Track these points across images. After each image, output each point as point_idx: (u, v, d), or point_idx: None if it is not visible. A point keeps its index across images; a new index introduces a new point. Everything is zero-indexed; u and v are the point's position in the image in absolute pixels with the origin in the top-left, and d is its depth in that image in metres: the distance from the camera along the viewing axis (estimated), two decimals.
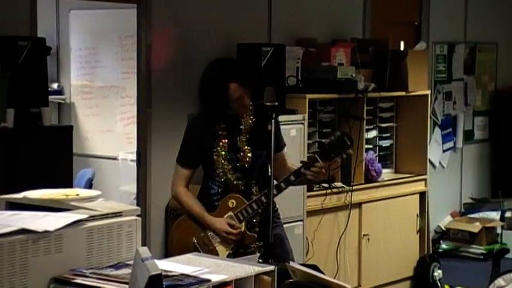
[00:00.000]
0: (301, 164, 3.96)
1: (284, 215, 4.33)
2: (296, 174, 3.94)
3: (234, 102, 4.00)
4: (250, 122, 4.06)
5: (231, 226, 4.00)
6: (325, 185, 5.87)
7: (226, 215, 4.03)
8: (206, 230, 4.06)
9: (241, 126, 4.05)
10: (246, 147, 4.04)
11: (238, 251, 3.97)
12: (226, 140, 4.05)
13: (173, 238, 4.26)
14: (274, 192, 3.90)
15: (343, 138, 3.91)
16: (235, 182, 4.04)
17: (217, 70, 4.07)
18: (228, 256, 3.94)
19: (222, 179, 4.05)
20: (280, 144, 4.16)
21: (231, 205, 4.03)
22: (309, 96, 5.84)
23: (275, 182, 3.92)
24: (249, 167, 4.03)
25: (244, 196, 4.03)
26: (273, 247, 3.81)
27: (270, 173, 3.98)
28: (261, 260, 3.59)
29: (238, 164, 4.04)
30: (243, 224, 4.01)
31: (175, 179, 4.15)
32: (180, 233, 4.16)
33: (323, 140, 4.03)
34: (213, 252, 3.98)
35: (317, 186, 5.77)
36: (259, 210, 4.00)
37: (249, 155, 4.03)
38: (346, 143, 3.91)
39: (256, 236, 4.03)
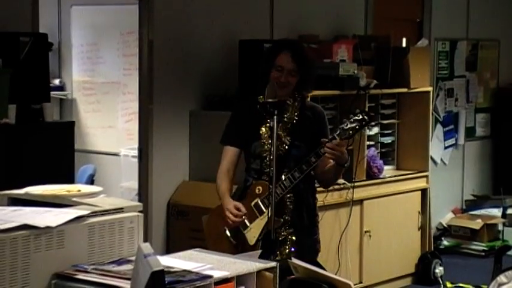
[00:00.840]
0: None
1: None
2: (316, 154, 3.92)
3: (276, 69, 3.98)
4: (295, 114, 4.06)
5: (237, 209, 4.00)
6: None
7: (253, 202, 4.05)
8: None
9: (285, 115, 4.03)
10: (285, 136, 4.03)
11: (266, 236, 3.94)
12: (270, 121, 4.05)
13: (206, 228, 4.28)
14: (297, 174, 3.93)
15: (362, 116, 3.89)
16: (270, 162, 4.00)
17: (280, 40, 4.12)
18: (257, 242, 4.00)
19: (261, 155, 4.05)
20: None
21: (257, 191, 4.06)
22: None
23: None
24: (284, 155, 4.01)
25: (272, 183, 4.02)
26: (275, 245, 3.83)
27: (286, 168, 4.02)
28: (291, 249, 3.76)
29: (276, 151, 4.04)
30: (269, 209, 3.99)
31: (221, 161, 4.17)
32: (214, 220, 4.19)
33: (344, 120, 4.00)
34: (243, 239, 4.03)
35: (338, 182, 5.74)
36: (285, 195, 3.99)
37: (287, 143, 4.02)
38: (364, 119, 3.88)
39: (282, 220, 4.01)
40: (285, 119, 4.03)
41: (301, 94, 4.09)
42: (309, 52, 4.47)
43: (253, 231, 4.05)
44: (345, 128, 3.88)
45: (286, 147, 4.03)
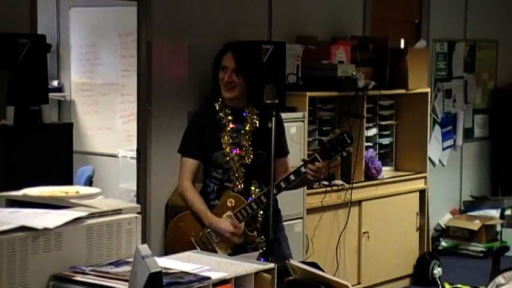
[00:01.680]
0: (301, 163, 3.95)
1: (284, 212, 4.31)
2: (296, 173, 3.91)
3: (221, 69, 3.98)
4: (255, 121, 4.04)
5: (234, 226, 3.96)
6: (325, 182, 5.87)
7: (225, 215, 3.99)
8: (205, 228, 4.03)
9: (245, 124, 4.03)
10: (249, 146, 4.01)
11: (238, 251, 3.91)
12: (235, 126, 4.01)
13: (171, 236, 4.23)
14: (274, 191, 3.88)
15: (343, 136, 3.90)
16: (236, 173, 3.99)
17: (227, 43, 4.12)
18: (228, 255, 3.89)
19: (225, 166, 4.00)
20: (283, 150, 4.14)
21: (229, 204, 3.98)
22: (309, 94, 5.84)
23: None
24: (251, 165, 4.00)
25: (243, 195, 4.00)
26: (272, 246, 3.80)
27: (268, 173, 3.96)
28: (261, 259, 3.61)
29: (241, 160, 4.01)
30: (243, 224, 3.99)
31: (180, 172, 4.08)
32: (178, 231, 4.12)
33: (323, 139, 4.00)
34: (212, 250, 3.95)
35: (317, 184, 5.76)
36: (259, 210, 3.98)
37: (252, 153, 4.00)
38: (346, 141, 3.90)
39: (256, 235, 4.01)
40: (247, 129, 4.02)
41: (257, 100, 3.98)
42: (255, 53, 4.41)
43: (224, 245, 3.99)
44: (327, 148, 3.90)
45: (252, 156, 4.00)
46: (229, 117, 4.03)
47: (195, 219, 4.05)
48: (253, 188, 4.01)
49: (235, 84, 3.99)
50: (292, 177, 3.92)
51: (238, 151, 4.00)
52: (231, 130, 4.02)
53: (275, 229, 4.04)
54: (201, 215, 4.01)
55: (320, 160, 3.88)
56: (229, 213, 3.99)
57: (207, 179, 4.08)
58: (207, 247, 3.98)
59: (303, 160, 3.97)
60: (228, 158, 3.99)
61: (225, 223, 3.95)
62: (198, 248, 3.95)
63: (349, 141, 3.91)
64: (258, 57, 4.32)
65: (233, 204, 3.99)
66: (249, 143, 4.00)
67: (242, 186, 4.01)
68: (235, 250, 3.94)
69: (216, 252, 3.93)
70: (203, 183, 4.11)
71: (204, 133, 4.04)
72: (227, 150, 4.00)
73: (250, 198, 3.98)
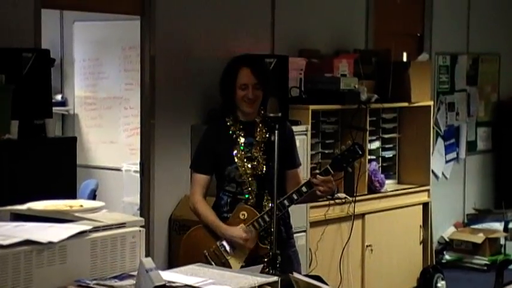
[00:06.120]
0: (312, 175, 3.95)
1: None
2: (307, 185, 3.93)
3: (240, 88, 3.98)
4: (264, 132, 4.05)
5: (246, 232, 3.95)
6: (329, 196, 5.87)
7: (238, 227, 3.99)
8: (218, 241, 4.03)
9: (256, 135, 4.04)
10: (260, 157, 4.02)
11: (251, 263, 3.87)
12: (246, 139, 4.02)
13: (182, 250, 4.23)
14: (286, 203, 3.90)
15: (354, 148, 3.90)
16: (250, 186, 4.00)
17: (236, 57, 4.11)
18: (241, 268, 3.87)
19: (239, 180, 4.00)
20: (295, 162, 4.14)
21: (242, 217, 3.99)
22: (311, 107, 5.86)
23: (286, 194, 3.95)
24: (263, 176, 4.01)
25: (256, 207, 4.00)
26: (275, 259, 3.79)
27: (280, 185, 3.96)
28: (267, 269, 3.61)
29: (254, 172, 4.02)
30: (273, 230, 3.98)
31: (192, 187, 4.12)
32: (190, 245, 4.13)
33: (336, 150, 4.00)
34: (226, 265, 3.93)
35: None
36: (271, 222, 3.97)
37: (263, 164, 4.01)
38: (357, 152, 3.89)
39: (269, 247, 4.00)
40: (257, 139, 4.03)
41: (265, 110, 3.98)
42: (265, 63, 4.38)
43: (237, 257, 3.99)
44: (338, 159, 3.90)
45: (264, 167, 4.01)
46: (241, 132, 4.05)
47: (207, 233, 4.06)
48: (265, 200, 4.01)
49: (256, 98, 4.01)
50: (304, 188, 3.92)
51: (251, 164, 4.02)
52: (243, 144, 4.03)
53: (287, 245, 4.08)
54: (214, 227, 4.02)
55: (332, 172, 3.88)
56: (241, 225, 3.99)
57: (221, 192, 4.10)
58: (220, 260, 3.99)
59: (313, 173, 3.97)
60: (241, 172, 4.01)
61: (237, 231, 3.96)
62: (211, 260, 3.96)
63: (360, 152, 3.90)
64: (268, 68, 4.33)
65: (246, 217, 4.00)
66: (261, 154, 4.02)
67: (255, 198, 4.02)
68: (248, 263, 3.92)
69: (229, 264, 3.94)
70: (216, 196, 4.13)
71: (216, 149, 4.06)
72: (240, 164, 4.01)
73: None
